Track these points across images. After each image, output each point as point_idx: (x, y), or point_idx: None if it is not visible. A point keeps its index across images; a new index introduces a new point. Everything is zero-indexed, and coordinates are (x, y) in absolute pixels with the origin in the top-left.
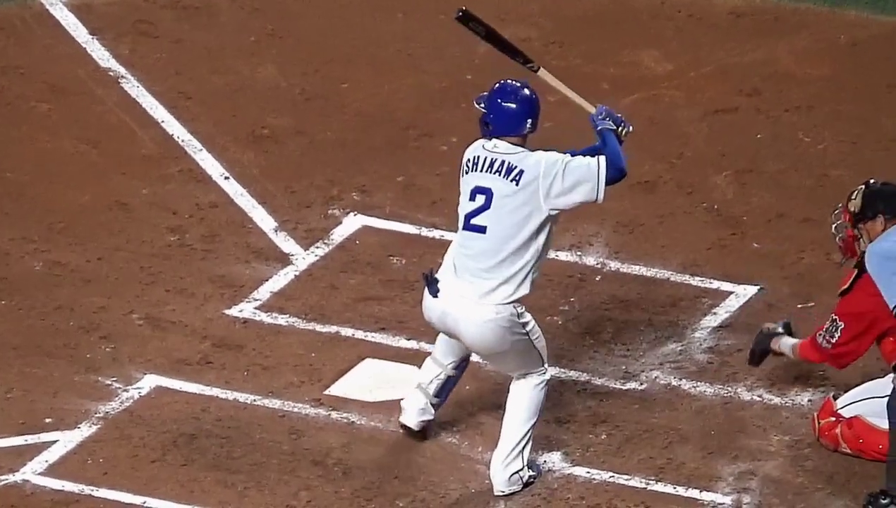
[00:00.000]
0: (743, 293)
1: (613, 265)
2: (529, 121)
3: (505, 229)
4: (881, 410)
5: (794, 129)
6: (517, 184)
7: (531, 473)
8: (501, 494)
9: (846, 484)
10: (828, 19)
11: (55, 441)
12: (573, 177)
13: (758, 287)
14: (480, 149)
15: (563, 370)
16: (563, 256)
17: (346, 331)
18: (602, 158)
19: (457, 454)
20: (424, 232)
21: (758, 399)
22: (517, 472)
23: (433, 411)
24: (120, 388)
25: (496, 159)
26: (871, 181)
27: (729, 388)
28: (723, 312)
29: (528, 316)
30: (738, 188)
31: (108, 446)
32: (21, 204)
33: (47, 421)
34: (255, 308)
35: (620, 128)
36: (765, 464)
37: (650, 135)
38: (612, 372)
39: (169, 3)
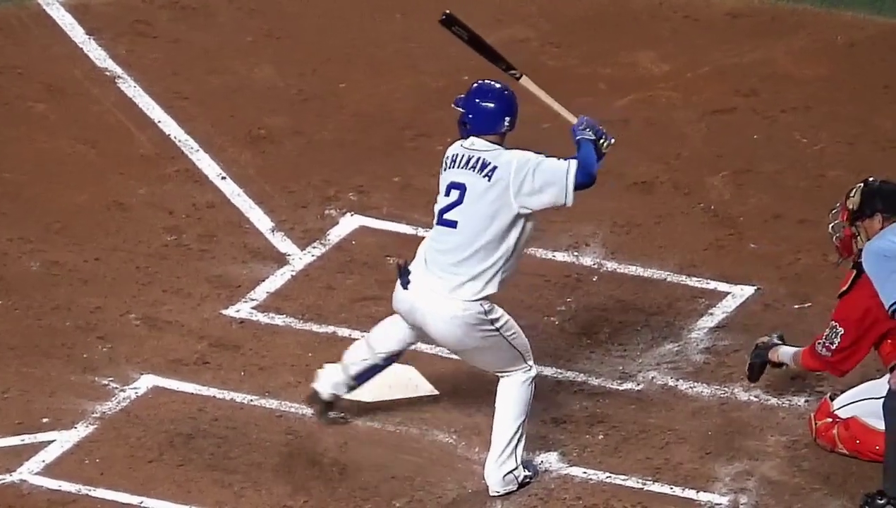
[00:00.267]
0: (740, 293)
1: (610, 265)
2: (507, 119)
3: (475, 224)
4: (878, 411)
5: (791, 130)
6: (489, 180)
7: (527, 473)
8: (497, 494)
9: (843, 485)
10: (825, 20)
11: (52, 441)
12: (543, 178)
13: (755, 287)
14: (459, 147)
15: (559, 370)
16: (560, 256)
17: (343, 331)
18: (573, 162)
19: (454, 454)
20: (421, 232)
21: (755, 399)
22: (511, 471)
23: (345, 391)
24: (117, 388)
25: (472, 156)
26: (871, 179)
27: (726, 389)
28: (720, 313)
29: (499, 313)
30: (735, 189)
31: (105, 446)
32: (18, 204)
33: (44, 420)
34: (252, 308)
35: (602, 141)
36: (762, 465)
37: (647, 135)
38: (608, 372)
39: (166, 3)
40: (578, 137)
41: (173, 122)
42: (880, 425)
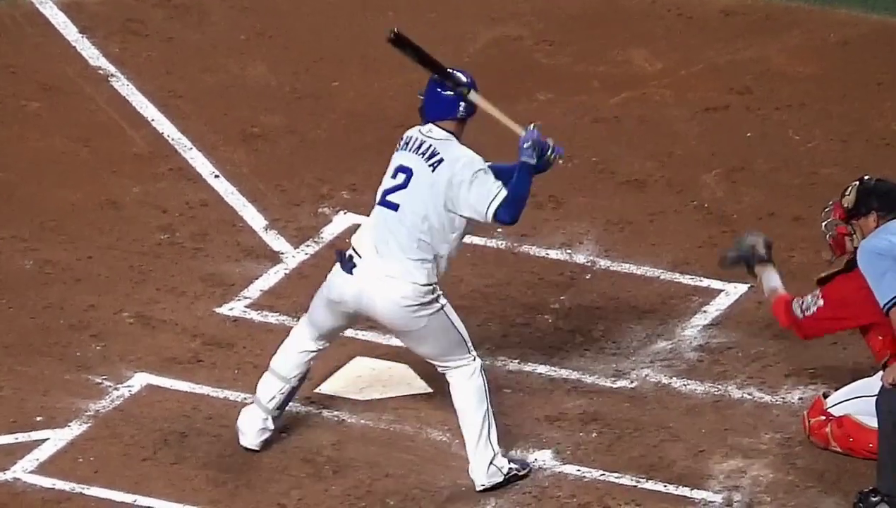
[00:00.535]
0: (733, 291)
1: (604, 263)
2: (462, 105)
3: (417, 211)
4: (871, 409)
5: (785, 128)
6: (432, 171)
7: (511, 465)
8: (483, 488)
9: (837, 483)
10: (818, 18)
11: (46, 440)
12: (474, 193)
13: (748, 285)
14: (416, 131)
15: (553, 368)
16: (554, 254)
17: None
18: (501, 195)
19: (447, 452)
20: None
21: (748, 397)
22: (491, 461)
23: (272, 426)
24: (110, 387)
25: (425, 142)
26: (866, 177)
27: (719, 386)
28: (713, 310)
29: (444, 300)
30: (729, 186)
31: (99, 444)
32: (12, 202)
33: (38, 419)
34: (246, 306)
35: (550, 153)
36: (755, 462)
37: (640, 133)
38: (602, 370)
39: (159, 1)
40: (522, 158)
41: (167, 121)
42: (873, 423)
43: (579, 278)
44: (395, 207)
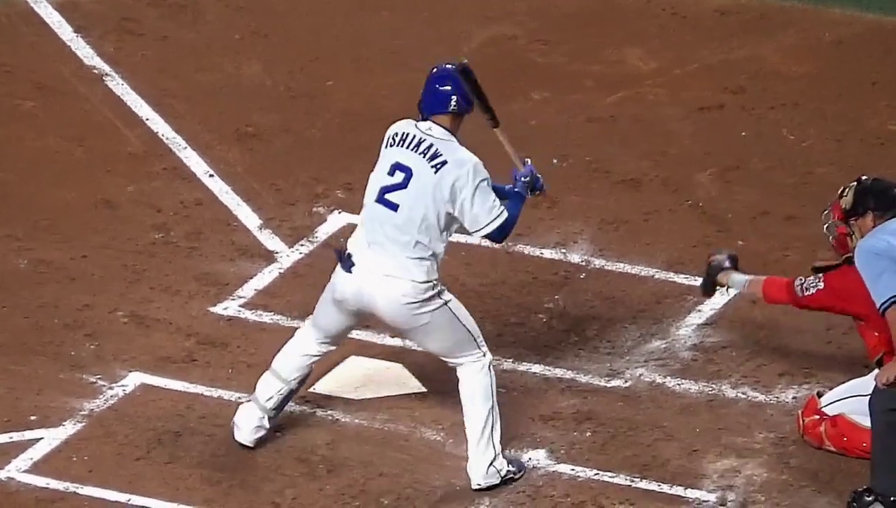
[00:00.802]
0: (728, 291)
1: (598, 262)
2: (454, 98)
3: (417, 211)
4: (865, 408)
5: (779, 127)
6: (435, 173)
7: (510, 469)
8: (479, 488)
9: (831, 482)
10: (812, 17)
11: (40, 439)
12: (477, 206)
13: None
14: (412, 126)
15: (547, 367)
16: (548, 254)
17: None
18: (504, 218)
19: (441, 451)
20: None
21: (742, 396)
22: (492, 462)
23: (268, 425)
24: (105, 386)
25: (424, 140)
26: (863, 177)
27: (713, 386)
28: (707, 310)
29: (448, 294)
30: (723, 186)
31: (93, 444)
32: (6, 201)
33: (32, 418)
34: (240, 305)
35: (537, 188)
36: (749, 462)
37: (635, 132)
38: (596, 369)
39: (154, 1)
40: (517, 188)
41: (161, 120)
42: (867, 422)
43: (574, 277)
44: (393, 207)
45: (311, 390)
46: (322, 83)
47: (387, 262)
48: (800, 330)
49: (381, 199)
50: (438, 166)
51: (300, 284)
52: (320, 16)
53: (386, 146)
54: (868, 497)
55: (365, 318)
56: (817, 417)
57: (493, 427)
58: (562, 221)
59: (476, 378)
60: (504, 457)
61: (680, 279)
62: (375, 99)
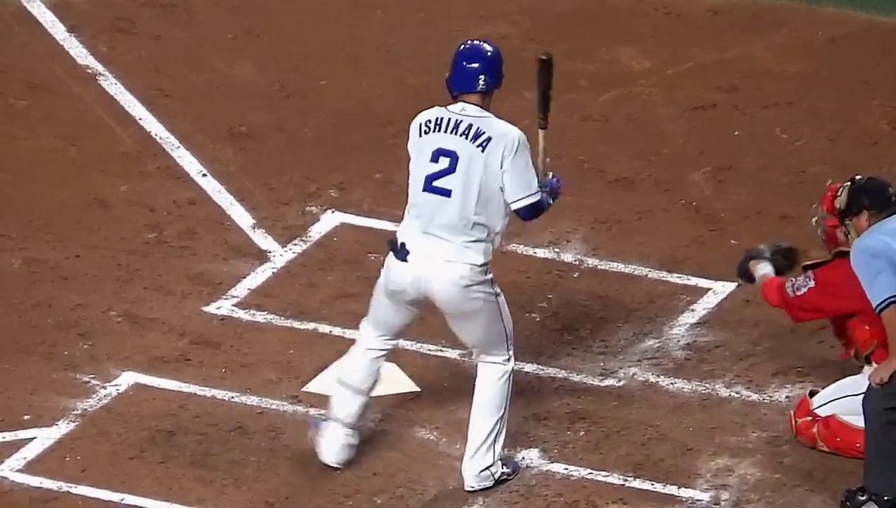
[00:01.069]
0: (721, 289)
1: (591, 262)
2: (482, 78)
3: (471, 193)
4: (857, 408)
5: (772, 126)
6: (483, 151)
7: (504, 470)
8: (472, 490)
9: (824, 481)
10: (805, 16)
11: (33, 439)
12: (517, 178)
13: (736, 283)
14: (444, 111)
15: (540, 367)
16: (541, 253)
17: (324, 328)
18: (536, 198)
19: (435, 451)
20: None
21: (736, 395)
22: (488, 468)
23: (356, 441)
24: (98, 385)
25: (462, 121)
26: (857, 177)
27: (707, 385)
28: (701, 309)
29: (498, 288)
30: (716, 185)
31: (87, 443)
32: None
33: (25, 418)
34: (233, 305)
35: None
36: (743, 461)
37: (628, 132)
38: (590, 368)
39: (147, 0)
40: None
41: (154, 119)
42: (860, 423)
43: (567, 277)
44: (445, 193)
45: (304, 389)
46: (315, 82)
47: (444, 248)
48: (793, 329)
49: (429, 187)
50: (484, 144)
51: (293, 283)
52: (313, 15)
53: (420, 134)
54: (862, 496)
55: (420, 309)
56: (810, 418)
57: (497, 436)
58: (555, 220)
59: (497, 384)
60: (502, 460)
61: (673, 278)
62: (369, 98)
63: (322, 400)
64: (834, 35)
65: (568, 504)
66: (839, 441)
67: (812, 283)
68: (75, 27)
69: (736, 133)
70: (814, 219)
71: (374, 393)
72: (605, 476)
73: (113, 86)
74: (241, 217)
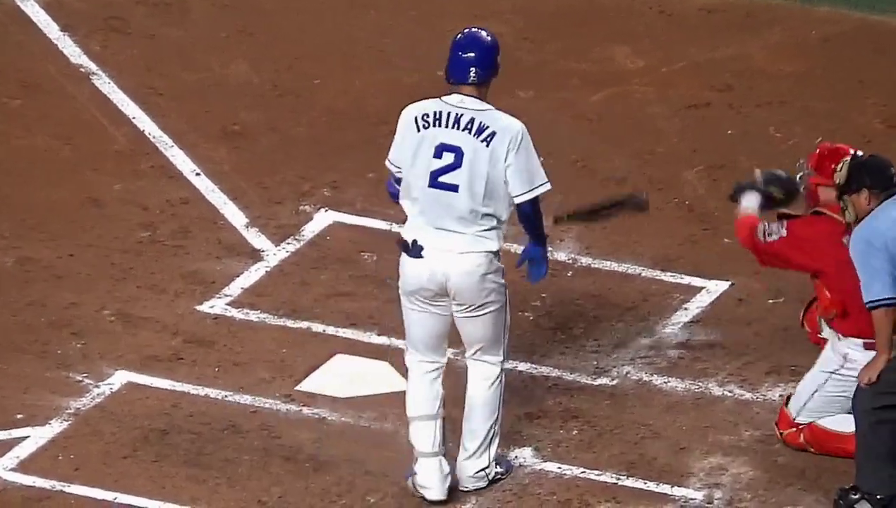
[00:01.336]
0: (714, 288)
1: (585, 260)
2: (473, 70)
3: (478, 187)
4: (827, 406)
5: (766, 125)
6: (488, 145)
7: (498, 470)
8: (465, 490)
9: (817, 480)
10: (799, 15)
11: (26, 438)
12: (523, 167)
13: (729, 282)
14: (441, 104)
15: (534, 365)
16: None
17: (318, 327)
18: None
19: None
20: (395, 228)
21: (729, 394)
22: (483, 469)
23: (449, 467)
24: (91, 384)
25: (463, 115)
26: (859, 152)
27: (700, 384)
28: (694, 307)
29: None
30: (710, 184)
31: (80, 442)
32: None
33: (18, 416)
34: (227, 304)
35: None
36: (736, 460)
37: (622, 130)
38: (583, 367)
39: None
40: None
41: (148, 119)
42: (840, 428)
43: (560, 275)
44: (452, 188)
45: (297, 388)
46: (309, 81)
47: (458, 240)
48: (786, 327)
49: (435, 183)
50: (488, 139)
51: (286, 282)
52: (307, 14)
53: (418, 129)
54: (854, 494)
55: (448, 309)
56: (794, 429)
57: (493, 439)
58: (548, 219)
59: (493, 387)
60: (496, 460)
61: (667, 277)
62: (362, 97)
63: (314, 399)
64: (827, 34)
65: (561, 502)
66: (826, 445)
67: (784, 233)
68: (69, 26)
69: (729, 132)
70: (798, 176)
71: (369, 393)
72: (599, 474)
73: (106, 85)
74: (235, 216)
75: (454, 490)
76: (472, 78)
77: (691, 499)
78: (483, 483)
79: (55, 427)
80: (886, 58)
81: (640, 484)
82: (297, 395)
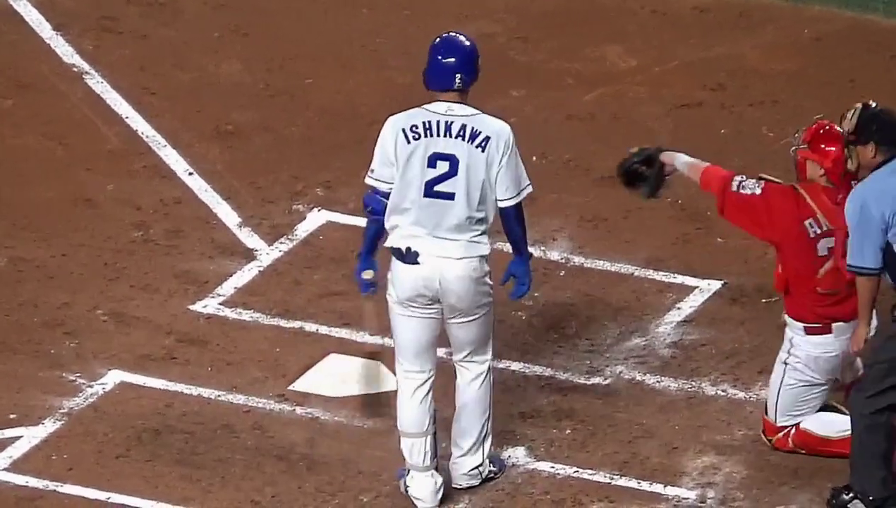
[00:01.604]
0: (707, 288)
1: (577, 260)
2: (458, 76)
3: (474, 194)
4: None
5: (759, 124)
6: (483, 151)
7: (491, 469)
8: (459, 487)
9: (811, 479)
10: (792, 14)
11: (19, 437)
12: (512, 171)
13: (722, 282)
14: (428, 113)
15: (527, 365)
16: None
17: (311, 327)
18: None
19: None
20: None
21: (722, 393)
22: (477, 467)
23: (440, 479)
24: (84, 384)
25: (453, 122)
26: (872, 103)
27: (693, 383)
28: (687, 307)
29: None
30: None
31: (73, 442)
32: None
33: (11, 416)
34: (220, 303)
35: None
36: (729, 459)
37: (614, 130)
38: (576, 366)
39: None
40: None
41: (141, 118)
42: (823, 431)
43: (553, 275)
44: (448, 196)
45: (290, 388)
46: (302, 81)
47: (453, 247)
48: (779, 326)
49: (430, 193)
50: (483, 144)
51: (280, 282)
52: (300, 13)
53: (408, 141)
54: (847, 494)
55: (439, 314)
56: (781, 434)
57: (486, 436)
58: (541, 219)
59: (483, 386)
60: (489, 458)
61: (660, 276)
62: (355, 97)
63: (307, 399)
64: (820, 33)
65: (554, 502)
66: (814, 449)
67: (759, 191)
68: (61, 26)
69: (722, 131)
70: (791, 149)
71: (361, 392)
72: (592, 474)
73: (99, 84)
74: (228, 215)
75: (446, 489)
76: (457, 84)
77: (684, 498)
78: (477, 482)
79: (48, 426)
80: (879, 57)
81: (633, 484)
82: (290, 395)
